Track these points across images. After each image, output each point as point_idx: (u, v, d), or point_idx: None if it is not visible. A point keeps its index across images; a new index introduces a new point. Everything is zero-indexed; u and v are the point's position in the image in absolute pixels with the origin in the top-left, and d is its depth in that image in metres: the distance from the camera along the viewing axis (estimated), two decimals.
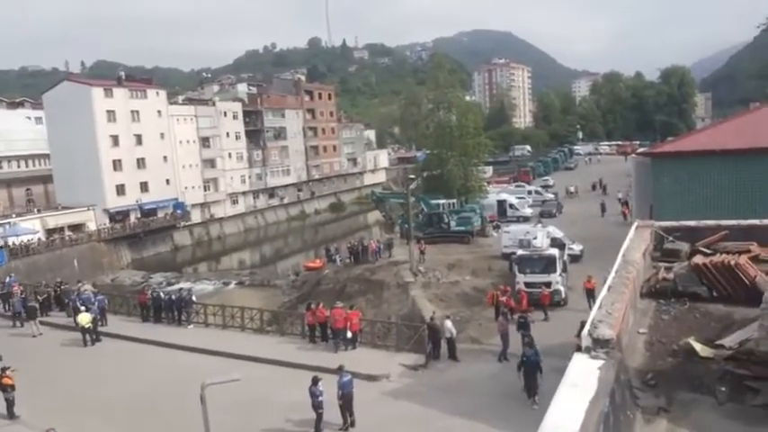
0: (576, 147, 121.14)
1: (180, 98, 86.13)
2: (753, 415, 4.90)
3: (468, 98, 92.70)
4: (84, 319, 25.53)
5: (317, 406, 16.01)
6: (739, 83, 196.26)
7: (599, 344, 5.35)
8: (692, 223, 11.46)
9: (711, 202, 18.17)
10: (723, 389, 5.29)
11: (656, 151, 23.67)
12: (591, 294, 24.97)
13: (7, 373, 18.38)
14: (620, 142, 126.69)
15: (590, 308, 23.37)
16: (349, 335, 22.51)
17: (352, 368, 17.45)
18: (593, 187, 67.19)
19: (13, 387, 18.27)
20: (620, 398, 5.11)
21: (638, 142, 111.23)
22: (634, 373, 5.86)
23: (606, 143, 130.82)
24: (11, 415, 18.19)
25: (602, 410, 4.39)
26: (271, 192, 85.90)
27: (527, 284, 28.25)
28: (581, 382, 4.75)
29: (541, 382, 16.00)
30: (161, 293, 30.40)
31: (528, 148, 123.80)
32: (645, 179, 21.87)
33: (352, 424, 16.36)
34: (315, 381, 16.19)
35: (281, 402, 17.74)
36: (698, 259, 8.66)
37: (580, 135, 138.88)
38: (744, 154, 18.31)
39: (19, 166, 79.38)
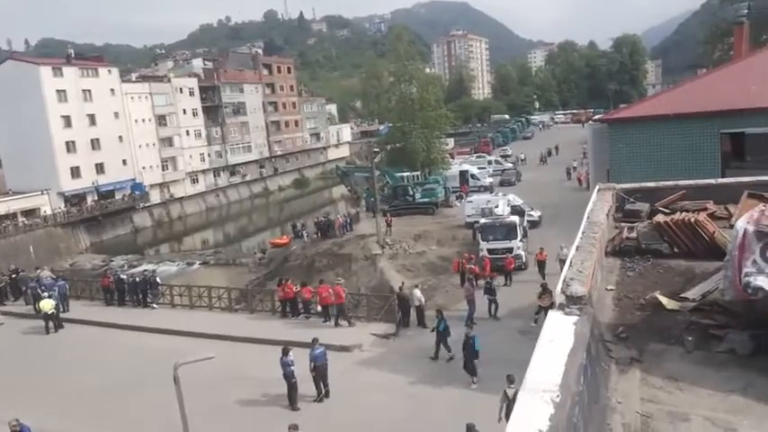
0: (533, 116, 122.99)
1: (133, 75, 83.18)
2: (718, 360, 5.20)
3: (428, 70, 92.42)
4: (47, 305, 24.93)
5: (290, 376, 16.21)
6: (688, 50, 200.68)
7: (572, 300, 5.52)
8: (651, 184, 11.84)
9: (666, 165, 18.75)
10: (690, 338, 5.57)
11: (612, 117, 24.20)
12: (542, 266, 26.16)
13: None
14: (574, 111, 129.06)
15: (543, 278, 24.26)
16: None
17: (326, 340, 17.63)
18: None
19: None
20: (595, 351, 5.32)
21: (592, 110, 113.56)
22: (605, 327, 6.11)
23: (561, 112, 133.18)
24: None
25: (580, 363, 4.56)
26: (232, 169, 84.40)
27: (490, 251, 29.01)
28: (558, 337, 4.90)
29: (478, 365, 16.57)
30: (124, 276, 29.83)
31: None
32: (601, 145, 22.33)
33: (327, 394, 16.63)
34: (285, 351, 16.42)
35: (256, 378, 17.83)
36: (659, 218, 8.99)
37: (537, 105, 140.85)
38: (696, 117, 18.92)
39: None
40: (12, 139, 60.38)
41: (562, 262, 20.06)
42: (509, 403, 12.98)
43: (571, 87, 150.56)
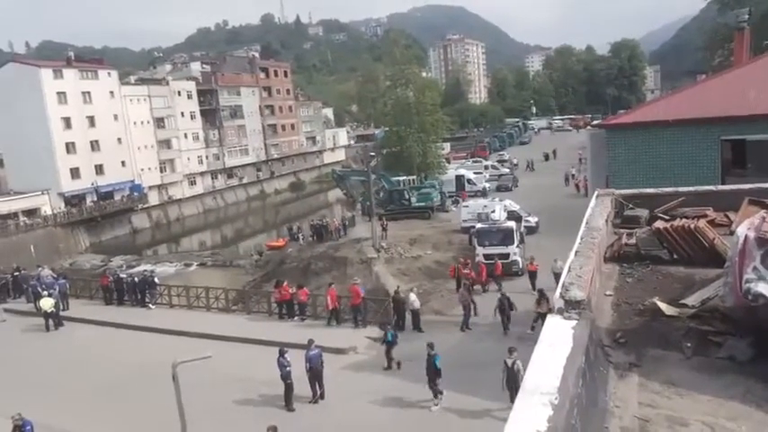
0: (530, 121, 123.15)
1: (132, 78, 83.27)
2: (717, 366, 5.24)
3: (424, 74, 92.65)
4: (47, 303, 25.02)
5: (286, 376, 16.25)
6: (687, 55, 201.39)
7: (571, 305, 5.54)
8: (650, 190, 11.89)
9: (665, 172, 18.79)
10: (689, 344, 5.60)
11: (611, 122, 24.27)
12: (533, 276, 25.86)
13: None
14: (572, 116, 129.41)
15: (533, 288, 24.01)
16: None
17: (321, 342, 17.65)
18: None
19: None
20: (594, 355, 5.35)
21: (590, 116, 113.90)
22: (604, 332, 6.14)
23: (559, 117, 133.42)
24: None
25: (579, 367, 4.59)
26: (229, 172, 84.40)
27: (486, 256, 28.96)
28: (557, 341, 4.93)
29: (440, 382, 15.77)
30: (123, 276, 29.86)
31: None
32: (599, 150, 22.39)
33: (322, 396, 16.65)
34: (281, 352, 16.48)
35: (253, 378, 17.87)
36: (658, 224, 9.02)
37: (534, 110, 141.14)
38: (696, 124, 18.99)
39: None
40: (13, 140, 60.52)
41: (556, 275, 20.04)
42: (509, 372, 14.44)
43: (569, 92, 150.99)
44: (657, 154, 19.75)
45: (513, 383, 14.50)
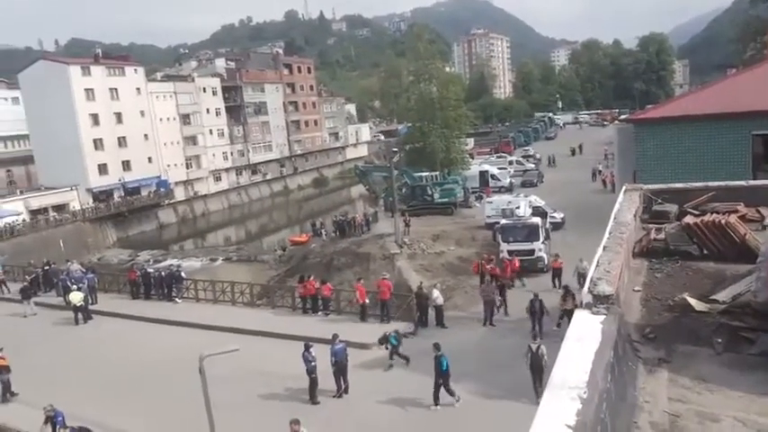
0: (556, 116, 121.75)
1: (158, 75, 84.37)
2: (749, 363, 5.16)
3: (448, 69, 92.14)
4: (76, 297, 25.54)
5: (311, 371, 16.36)
6: (717, 48, 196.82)
7: (599, 300, 5.51)
8: (679, 185, 11.71)
9: (695, 167, 18.50)
10: (719, 340, 5.53)
11: (639, 117, 23.96)
12: (557, 273, 25.17)
13: (1, 354, 18.32)
14: (599, 111, 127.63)
15: (554, 286, 23.64)
16: None
17: (345, 337, 17.70)
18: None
19: (7, 369, 18.25)
20: (623, 350, 5.31)
21: (617, 110, 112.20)
22: (633, 327, 6.09)
23: (585, 112, 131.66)
24: (4, 398, 18.17)
25: (607, 361, 4.56)
26: (253, 168, 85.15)
27: (510, 252, 28.76)
28: (585, 336, 4.91)
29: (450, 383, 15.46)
30: (150, 270, 30.37)
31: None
32: (627, 145, 22.12)
33: (346, 390, 16.70)
34: (307, 347, 16.59)
35: (277, 372, 18.04)
36: (688, 219, 8.89)
37: (560, 104, 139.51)
38: (726, 118, 18.63)
39: None
40: (43, 137, 62.01)
41: (581, 276, 19.73)
42: (532, 356, 14.98)
43: (595, 87, 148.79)
44: (686, 149, 19.45)
45: (537, 368, 14.92)
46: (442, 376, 15.28)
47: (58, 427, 14.18)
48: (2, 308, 29.06)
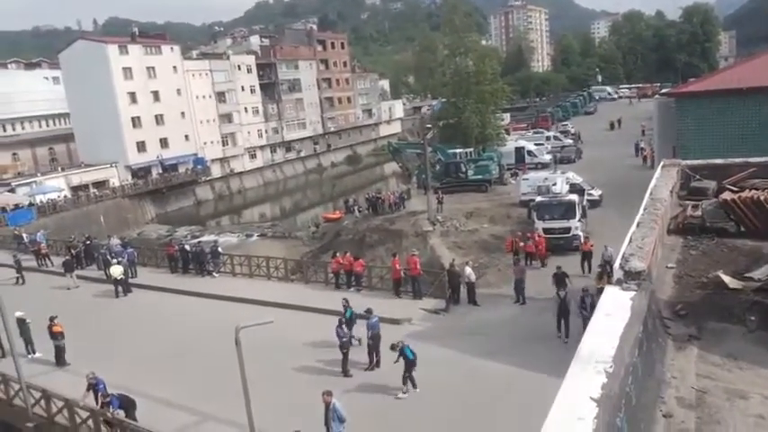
0: (606, 88, 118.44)
1: (194, 53, 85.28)
2: None
3: (484, 43, 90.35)
4: (116, 271, 26.40)
5: (343, 345, 16.66)
6: (765, 19, 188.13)
7: (630, 276, 5.48)
8: (718, 161, 11.39)
9: (736, 141, 17.89)
10: (753, 318, 5.44)
11: (680, 91, 23.20)
12: (586, 257, 24.52)
13: (55, 321, 19.21)
14: (640, 84, 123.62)
15: (582, 271, 23.20)
16: None
17: (377, 313, 17.89)
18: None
19: (62, 335, 19.21)
20: (652, 326, 5.28)
21: (658, 84, 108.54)
22: (664, 304, 6.02)
23: (626, 86, 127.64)
24: (61, 362, 19.17)
25: (636, 337, 4.56)
26: (288, 145, 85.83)
27: (546, 230, 28.41)
28: (614, 311, 4.90)
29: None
30: (188, 246, 31.13)
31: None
32: (668, 120, 21.53)
33: (378, 364, 16.91)
34: (340, 322, 16.92)
35: (310, 345, 18.46)
36: (726, 196, 8.67)
37: (600, 78, 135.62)
38: None
39: (41, 126, 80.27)
40: (84, 115, 63.67)
41: (608, 264, 19.32)
42: (560, 303, 17.20)
43: (637, 60, 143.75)
44: (729, 124, 18.80)
45: (564, 314, 17.11)
46: (408, 363, 15.09)
47: (99, 394, 14.80)
48: (46, 280, 30.18)
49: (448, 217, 36.08)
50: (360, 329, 17.41)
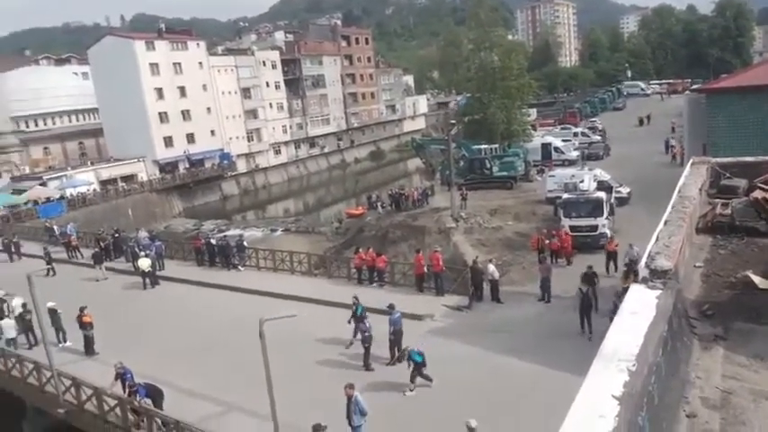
0: (639, 84, 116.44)
1: (219, 49, 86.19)
2: None
3: (510, 37, 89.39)
4: (144, 263, 26.93)
5: (365, 340, 16.79)
6: None
7: (656, 274, 5.42)
8: (749, 159, 11.14)
9: None
10: None
11: (711, 87, 22.71)
12: (611, 257, 23.97)
13: (85, 312, 19.70)
14: (670, 80, 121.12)
15: (607, 271, 22.68)
16: None
17: (400, 309, 17.95)
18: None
19: (91, 325, 19.73)
20: (678, 326, 5.22)
21: (689, 80, 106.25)
22: (690, 303, 5.94)
23: (656, 81, 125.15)
24: (90, 351, 19.67)
25: (660, 336, 4.51)
26: (311, 141, 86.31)
27: (572, 228, 28.07)
28: (639, 309, 4.86)
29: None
30: (213, 240, 31.57)
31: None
32: (698, 117, 21.10)
33: (399, 359, 16.95)
34: (362, 318, 17.00)
35: (332, 339, 18.63)
36: (757, 194, 8.48)
37: (629, 73, 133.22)
38: None
39: (70, 121, 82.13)
40: (112, 110, 64.94)
41: (633, 262, 18.92)
42: (582, 297, 17.22)
43: (667, 55, 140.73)
44: (762, 120, 18.35)
45: (586, 310, 17.12)
46: (417, 366, 15.22)
47: (126, 383, 15.14)
48: (76, 272, 30.95)
49: (471, 214, 35.88)
50: (381, 326, 17.38)
